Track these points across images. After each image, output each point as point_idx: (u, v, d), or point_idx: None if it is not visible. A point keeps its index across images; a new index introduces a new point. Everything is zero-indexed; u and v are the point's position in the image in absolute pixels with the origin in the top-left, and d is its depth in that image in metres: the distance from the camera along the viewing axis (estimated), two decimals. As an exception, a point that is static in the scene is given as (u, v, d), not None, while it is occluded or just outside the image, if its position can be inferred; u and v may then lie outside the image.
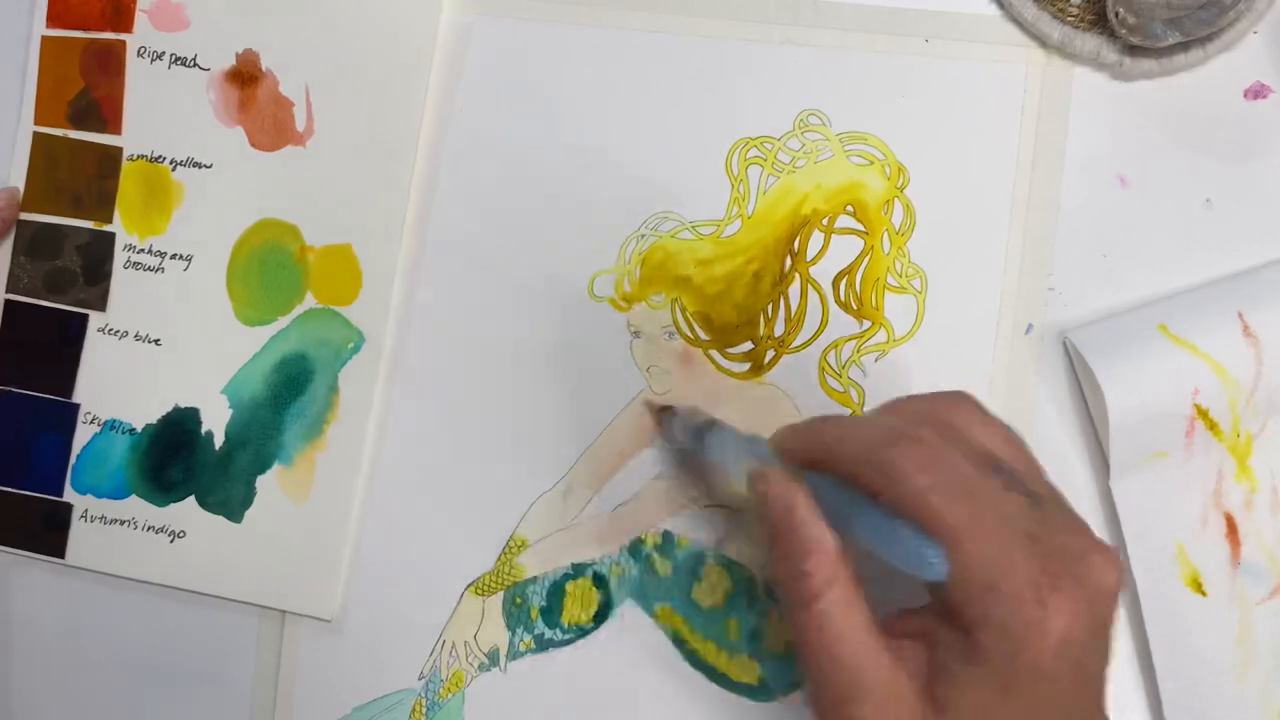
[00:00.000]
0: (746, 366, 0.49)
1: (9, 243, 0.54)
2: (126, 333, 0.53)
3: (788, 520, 0.35)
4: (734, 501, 0.48)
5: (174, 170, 0.53)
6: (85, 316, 0.53)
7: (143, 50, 0.53)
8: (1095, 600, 0.33)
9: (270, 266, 0.52)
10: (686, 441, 0.45)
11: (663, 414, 0.48)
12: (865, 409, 0.48)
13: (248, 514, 0.51)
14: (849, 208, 0.48)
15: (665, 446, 0.49)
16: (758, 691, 0.48)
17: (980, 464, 0.34)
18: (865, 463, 0.35)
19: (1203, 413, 0.43)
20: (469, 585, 0.50)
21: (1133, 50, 0.46)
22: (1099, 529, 0.46)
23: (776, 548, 0.36)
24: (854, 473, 0.35)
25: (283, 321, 0.52)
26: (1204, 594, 0.44)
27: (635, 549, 0.49)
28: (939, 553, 0.32)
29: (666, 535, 0.49)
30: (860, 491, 0.35)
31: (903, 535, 0.33)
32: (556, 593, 0.49)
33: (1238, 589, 0.44)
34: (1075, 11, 0.47)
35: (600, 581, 0.49)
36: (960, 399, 0.38)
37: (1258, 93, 0.47)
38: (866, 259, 0.48)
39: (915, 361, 0.48)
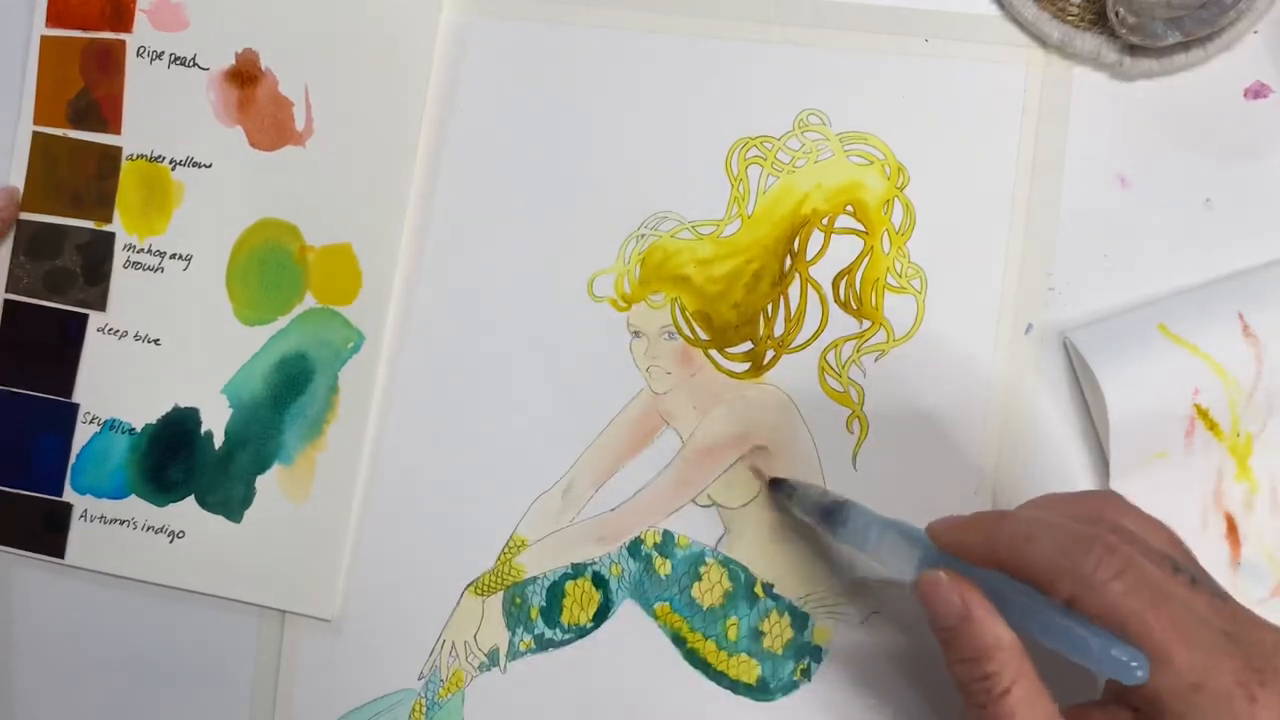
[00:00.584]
0: (746, 366, 0.49)
1: (9, 242, 0.54)
2: (126, 333, 0.53)
3: (966, 623, 0.35)
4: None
5: (173, 170, 0.53)
6: (85, 316, 0.53)
7: (142, 50, 0.53)
8: None
9: (270, 266, 0.52)
10: (807, 517, 0.45)
11: (775, 485, 0.48)
12: (865, 409, 0.48)
13: (247, 514, 0.51)
14: (849, 207, 0.48)
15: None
16: (757, 691, 0.48)
17: (1160, 563, 0.35)
18: (1057, 568, 0.34)
19: (1203, 413, 0.43)
20: (469, 585, 0.50)
21: (1133, 50, 0.46)
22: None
23: (955, 650, 0.36)
24: (1045, 577, 0.35)
25: (282, 321, 0.52)
26: (1204, 594, 0.44)
27: (635, 548, 0.49)
28: (1143, 660, 0.32)
29: (666, 535, 0.49)
30: (1042, 591, 0.35)
31: (1100, 642, 0.32)
32: (556, 592, 0.49)
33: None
34: (1075, 11, 0.47)
35: (600, 581, 0.49)
36: (1111, 496, 0.39)
37: (1258, 92, 0.47)
38: (866, 259, 0.48)
39: (915, 361, 0.48)
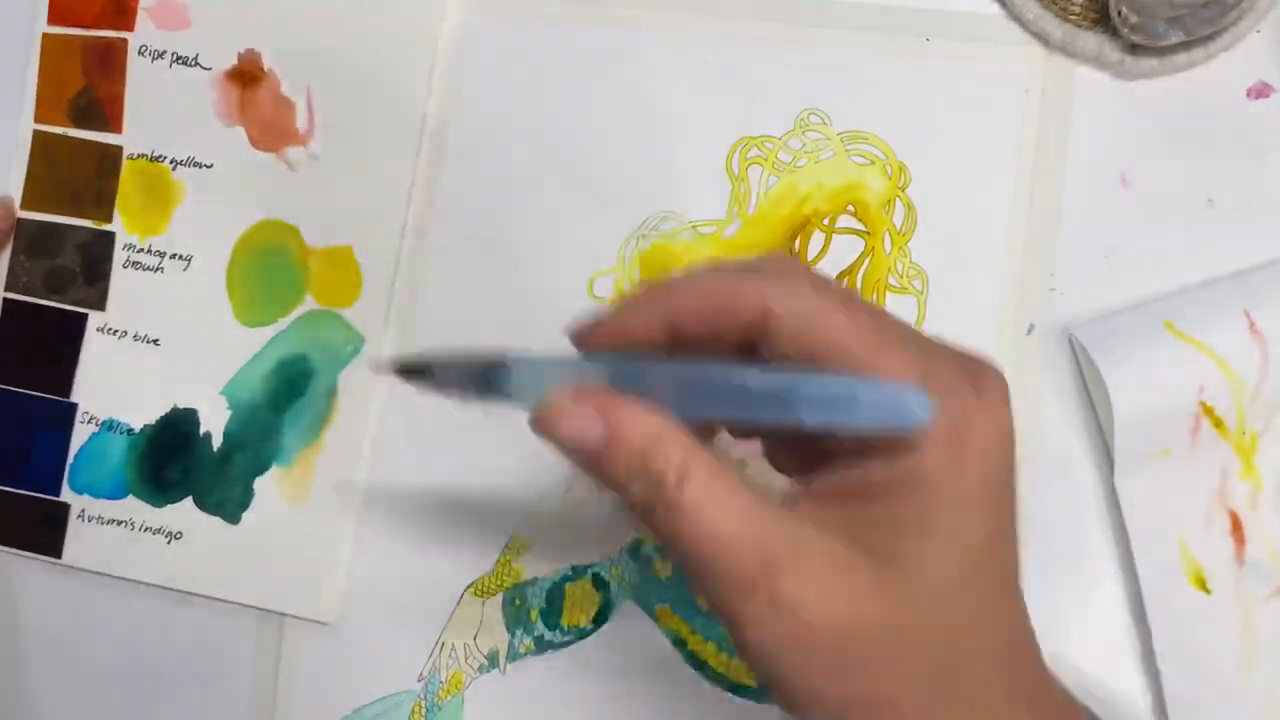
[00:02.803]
0: (747, 367, 0.48)
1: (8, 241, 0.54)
2: (125, 332, 0.53)
3: (615, 442, 0.28)
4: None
5: (174, 170, 0.53)
6: (84, 316, 0.53)
7: (144, 49, 0.53)
8: (1001, 400, 0.29)
9: (270, 268, 0.52)
10: (464, 397, 0.33)
11: (408, 376, 0.34)
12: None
13: (245, 515, 0.51)
14: (850, 207, 0.48)
15: None
16: (758, 693, 0.47)
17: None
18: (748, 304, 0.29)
19: (1208, 410, 0.43)
20: (468, 587, 0.50)
21: (1135, 49, 0.46)
22: (1103, 527, 0.46)
23: (608, 471, 0.29)
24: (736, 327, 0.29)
25: (282, 323, 0.52)
26: (1208, 592, 0.43)
27: (635, 550, 0.49)
28: (921, 396, 0.26)
29: (667, 536, 0.48)
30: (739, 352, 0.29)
31: (870, 385, 0.27)
32: (556, 594, 0.49)
33: (1242, 587, 0.43)
34: (1077, 10, 0.47)
35: (600, 583, 0.49)
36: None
37: (1260, 92, 0.47)
38: (868, 259, 0.48)
39: (917, 362, 0.47)
